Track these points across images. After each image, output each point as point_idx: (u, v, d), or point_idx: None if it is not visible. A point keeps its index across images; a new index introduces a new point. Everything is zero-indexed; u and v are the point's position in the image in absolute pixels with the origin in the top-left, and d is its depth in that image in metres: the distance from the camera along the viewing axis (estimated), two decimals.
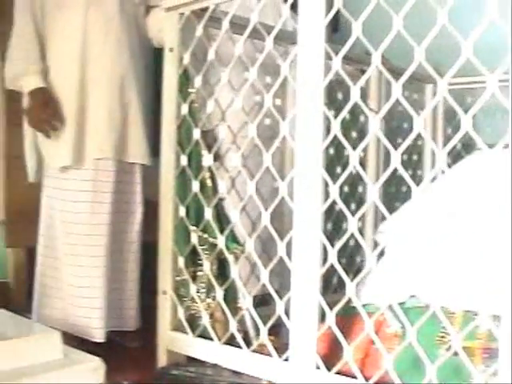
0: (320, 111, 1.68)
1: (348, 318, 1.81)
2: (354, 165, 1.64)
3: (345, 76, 1.68)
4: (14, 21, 2.50)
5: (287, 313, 1.77)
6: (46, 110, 2.41)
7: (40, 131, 2.46)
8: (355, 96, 1.64)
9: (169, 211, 2.15)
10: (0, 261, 3.12)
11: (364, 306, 1.70)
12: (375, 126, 1.60)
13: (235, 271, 1.97)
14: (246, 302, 1.96)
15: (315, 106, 1.68)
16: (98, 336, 2.46)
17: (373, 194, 1.59)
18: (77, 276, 2.48)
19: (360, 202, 2.85)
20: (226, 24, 1.99)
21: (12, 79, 2.49)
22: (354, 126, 2.82)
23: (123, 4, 2.53)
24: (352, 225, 1.63)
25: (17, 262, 2.97)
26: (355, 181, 2.71)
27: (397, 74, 1.65)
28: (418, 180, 3.14)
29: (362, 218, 2.85)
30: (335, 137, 1.68)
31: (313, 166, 1.68)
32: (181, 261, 2.11)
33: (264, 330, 1.84)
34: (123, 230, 2.61)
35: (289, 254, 1.78)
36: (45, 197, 2.57)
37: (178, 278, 2.14)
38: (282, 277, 2.34)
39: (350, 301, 1.65)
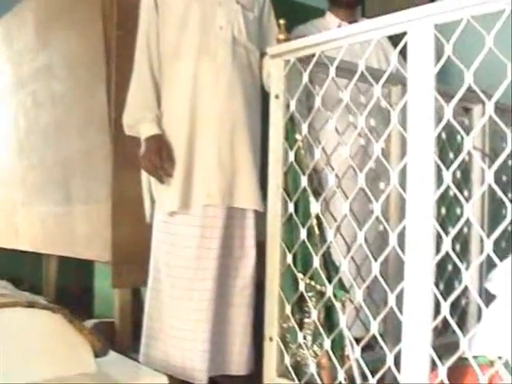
0: (431, 161, 1.65)
1: (458, 369, 1.76)
2: (468, 216, 1.60)
3: (458, 127, 1.66)
4: (134, 69, 2.59)
5: (396, 363, 1.74)
6: (160, 157, 2.47)
7: (154, 176, 2.52)
8: (468, 146, 1.61)
9: (276, 258, 2.14)
10: (106, 301, 3.19)
11: (475, 357, 1.66)
12: (490, 179, 1.56)
13: (343, 320, 1.94)
14: (353, 351, 1.94)
15: (426, 156, 1.66)
16: (201, 379, 2.47)
17: (488, 247, 1.55)
18: (181, 319, 2.50)
19: (464, 244, 2.78)
20: (332, 71, 1.99)
21: (131, 126, 2.58)
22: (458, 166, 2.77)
23: (236, 51, 2.57)
24: (466, 279, 1.58)
25: (122, 302, 3.01)
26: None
27: (497, 108, 1.61)
28: None
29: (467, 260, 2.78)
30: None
31: (424, 217, 1.65)
32: (288, 308, 2.10)
33: (373, 381, 1.81)
34: (234, 275, 2.61)
35: (398, 303, 1.75)
36: (154, 239, 2.62)
37: (284, 325, 2.13)
38: (384, 321, 2.30)
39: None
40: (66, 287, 3.92)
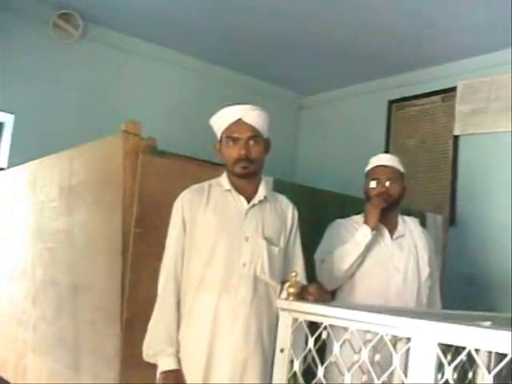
0: None
1: None
2: None
3: None
4: (159, 295, 2.62)
5: None
6: None
7: None
8: None
9: None
10: None
11: None
12: None
13: None
14: None
15: None
16: None
17: None
18: None
19: None
20: (337, 348, 2.00)
21: (150, 356, 2.57)
22: None
23: (256, 288, 2.61)
24: None
25: None
26: None
27: None
28: None
29: None
30: None
31: None
32: None
33: None
34: None
35: None
36: None
37: None
38: None
39: None
40: None
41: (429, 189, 5.27)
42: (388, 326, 1.85)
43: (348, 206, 3.61)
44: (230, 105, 2.70)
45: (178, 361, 2.55)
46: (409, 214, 3.54)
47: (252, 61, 5.82)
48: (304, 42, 5.25)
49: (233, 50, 5.60)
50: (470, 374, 2.53)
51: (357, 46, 5.23)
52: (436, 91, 5.38)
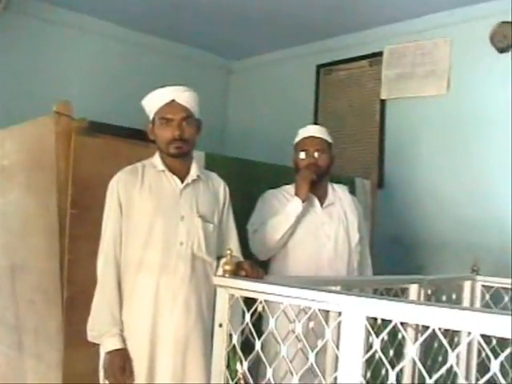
0: None
1: None
2: None
3: None
4: (99, 277, 2.66)
5: None
6: (123, 373, 2.56)
7: None
8: None
9: None
10: None
11: None
12: None
13: None
14: None
15: None
16: None
17: None
18: None
19: None
20: (272, 322, 2.09)
21: (95, 336, 2.63)
22: None
23: (194, 265, 2.70)
24: None
25: None
26: None
27: None
28: None
29: None
30: None
31: None
32: None
33: None
34: None
35: None
36: None
37: None
38: None
39: None
40: None
41: (357, 152, 5.40)
42: (319, 301, 1.95)
43: (279, 176, 3.69)
44: (162, 86, 2.74)
45: (123, 340, 2.62)
46: (338, 181, 3.65)
47: (178, 27, 5.77)
48: (231, 6, 5.25)
49: (157, 16, 5.55)
50: (400, 335, 2.66)
51: (285, 11, 5.26)
52: (363, 56, 5.48)
